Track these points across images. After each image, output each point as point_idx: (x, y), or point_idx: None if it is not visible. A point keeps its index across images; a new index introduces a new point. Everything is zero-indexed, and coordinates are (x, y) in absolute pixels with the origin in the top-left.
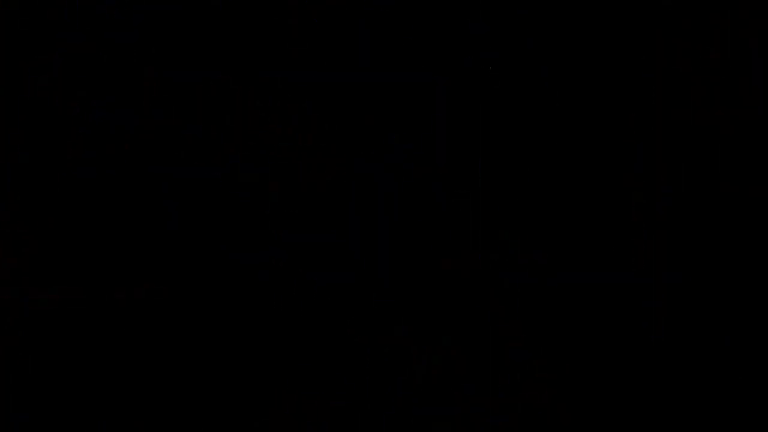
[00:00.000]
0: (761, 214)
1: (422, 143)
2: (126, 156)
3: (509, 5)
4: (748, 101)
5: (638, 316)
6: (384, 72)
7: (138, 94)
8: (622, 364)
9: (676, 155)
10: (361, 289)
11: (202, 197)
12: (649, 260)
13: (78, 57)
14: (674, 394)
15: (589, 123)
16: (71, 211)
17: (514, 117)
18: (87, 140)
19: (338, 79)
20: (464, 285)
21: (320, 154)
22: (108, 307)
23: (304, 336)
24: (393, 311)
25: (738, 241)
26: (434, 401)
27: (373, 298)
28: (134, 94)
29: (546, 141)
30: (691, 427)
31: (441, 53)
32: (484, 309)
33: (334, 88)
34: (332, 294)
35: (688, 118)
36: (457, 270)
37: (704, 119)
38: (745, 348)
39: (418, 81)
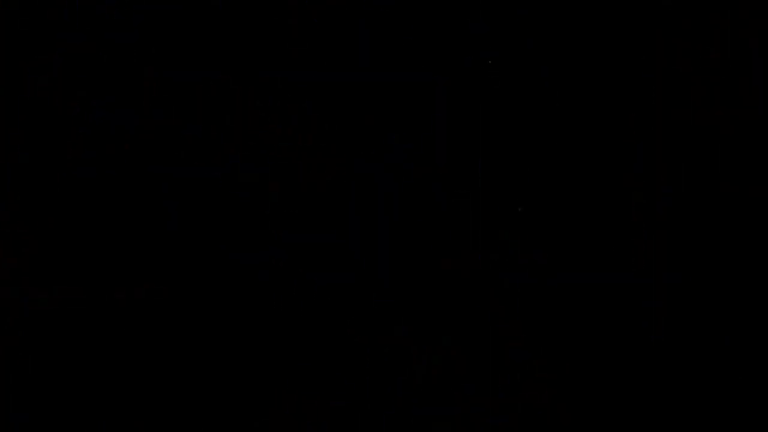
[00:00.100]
0: (761, 214)
1: (422, 143)
2: (126, 156)
3: (509, 5)
4: (748, 101)
5: (638, 316)
6: (384, 72)
7: (138, 94)
8: (622, 364)
9: (676, 155)
10: (361, 289)
11: (202, 197)
12: (649, 260)
13: (78, 57)
14: (674, 394)
15: (589, 123)
16: (71, 211)
17: (514, 117)
18: (87, 140)
19: (338, 79)
20: (464, 285)
21: (320, 154)
22: (108, 307)
23: (304, 336)
24: (393, 311)
25: (738, 241)
26: (434, 401)
27: (373, 298)
28: (134, 94)
29: (546, 141)
30: (691, 427)
31: (441, 53)
32: (484, 309)
33: (334, 88)
34: (332, 294)
35: (688, 118)
36: (457, 270)
37: (704, 119)
38: (745, 348)
39: (418, 81)
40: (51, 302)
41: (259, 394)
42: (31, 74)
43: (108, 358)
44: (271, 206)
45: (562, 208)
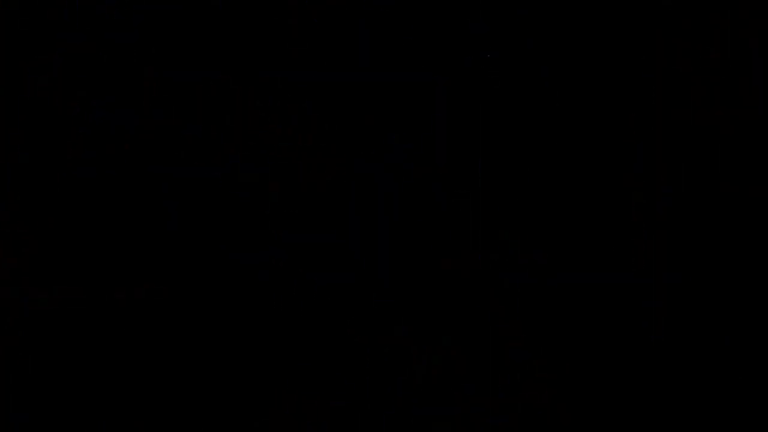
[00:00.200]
0: (761, 214)
1: (422, 143)
2: (126, 156)
3: (509, 5)
4: (748, 101)
5: (638, 316)
6: (384, 72)
7: (138, 94)
8: (622, 364)
9: (676, 155)
10: (361, 289)
11: (202, 197)
12: (649, 260)
13: (78, 57)
14: (674, 394)
15: (589, 123)
16: (71, 211)
17: (514, 117)
18: (87, 140)
19: (338, 79)
20: (464, 285)
21: (320, 154)
22: (108, 307)
23: (304, 336)
24: (393, 311)
25: (738, 241)
26: (434, 401)
27: (373, 298)
28: (134, 94)
29: (546, 141)
30: (691, 427)
31: (441, 53)
32: (484, 309)
33: (334, 88)
34: (332, 294)
35: (688, 118)
36: (457, 270)
37: (704, 119)
38: (745, 348)
39: (418, 81)
40: (51, 302)
41: (259, 394)
42: (31, 74)
43: (108, 358)
44: (271, 206)
45: (562, 208)
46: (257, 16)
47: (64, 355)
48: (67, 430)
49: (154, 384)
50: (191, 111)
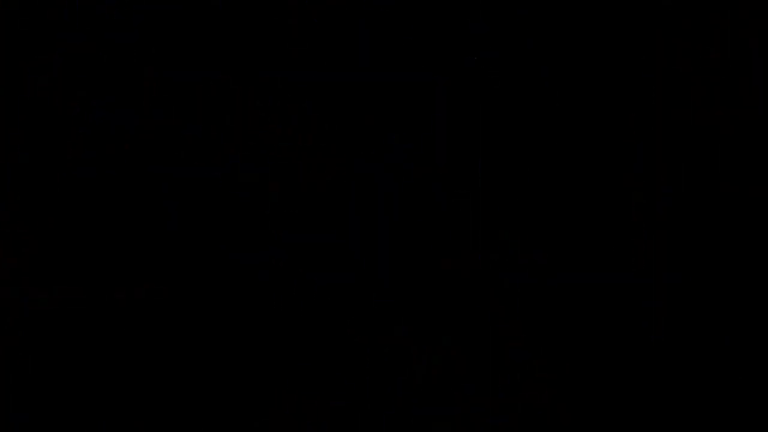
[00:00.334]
0: (761, 214)
1: (422, 143)
2: (126, 156)
3: (509, 5)
4: (748, 101)
5: (638, 316)
6: (384, 72)
7: (138, 94)
8: (622, 364)
9: (676, 155)
10: (361, 289)
11: (202, 197)
12: (649, 260)
13: (78, 57)
14: (674, 394)
15: (589, 123)
16: (71, 211)
17: (514, 117)
18: (87, 140)
19: (338, 79)
20: (464, 285)
21: (320, 154)
22: (108, 307)
23: (304, 336)
24: (393, 311)
25: (738, 241)
26: (434, 401)
27: (373, 298)
28: (134, 94)
29: (546, 141)
30: (691, 427)
31: (441, 53)
32: (484, 309)
33: (334, 88)
34: (332, 294)
35: (688, 118)
36: (457, 270)
37: (704, 119)
38: (745, 348)
39: (418, 81)
40: (51, 302)
41: (259, 394)
42: (31, 74)
43: (108, 358)
44: (271, 206)
45: (562, 208)
46: (257, 16)
47: (64, 355)
48: (67, 430)
49: (154, 384)
50: (191, 111)
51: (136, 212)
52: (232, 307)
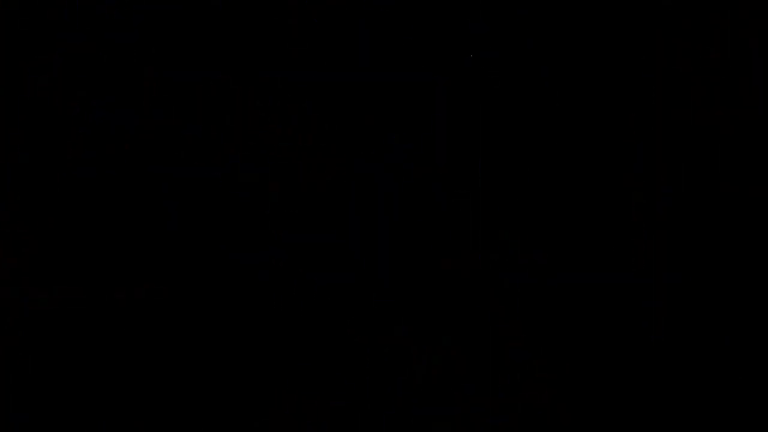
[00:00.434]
0: (761, 214)
1: (422, 143)
2: (126, 156)
3: (509, 5)
4: (748, 101)
5: (638, 316)
6: (384, 72)
7: (138, 94)
8: (622, 364)
9: (676, 155)
10: (361, 289)
11: (202, 197)
12: (649, 260)
13: (78, 57)
14: (674, 394)
15: (589, 123)
16: (71, 211)
17: (514, 117)
18: (87, 140)
19: (338, 79)
20: (464, 285)
21: (320, 154)
22: (108, 307)
23: (304, 336)
24: (393, 311)
25: (738, 241)
26: (434, 401)
27: (373, 298)
28: (134, 94)
29: (546, 141)
30: (691, 427)
31: (441, 53)
32: (484, 309)
33: (334, 88)
34: (332, 294)
35: (688, 118)
36: (457, 270)
37: (704, 119)
38: (745, 348)
39: (418, 81)
40: (51, 302)
41: (259, 394)
42: (31, 74)
43: (108, 358)
44: (271, 206)
45: (562, 208)
46: (257, 16)
47: (64, 355)
48: (67, 430)
49: (154, 384)
50: (191, 111)
51: (136, 212)
52: (232, 307)
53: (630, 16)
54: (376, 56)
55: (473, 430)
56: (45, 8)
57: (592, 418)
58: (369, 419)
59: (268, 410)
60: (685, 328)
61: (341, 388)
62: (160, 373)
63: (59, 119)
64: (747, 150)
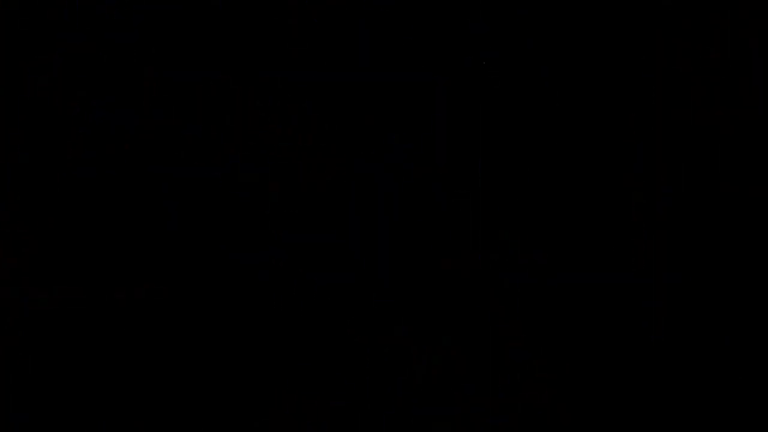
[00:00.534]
0: (761, 214)
1: (422, 143)
2: (126, 156)
3: (509, 5)
4: (748, 101)
5: (638, 316)
6: (384, 72)
7: (138, 94)
8: (622, 364)
9: (676, 155)
10: (361, 289)
11: (202, 197)
12: (649, 260)
13: (78, 57)
14: (674, 394)
15: (589, 123)
16: (71, 211)
17: (514, 117)
18: (87, 140)
19: (338, 79)
20: (464, 285)
21: (320, 154)
22: (108, 307)
23: (304, 336)
24: (393, 311)
25: (738, 241)
26: (434, 401)
27: (373, 298)
28: (134, 94)
29: (546, 141)
30: (691, 427)
31: (441, 53)
32: (484, 309)
33: (334, 88)
34: (332, 294)
35: (688, 118)
36: (457, 270)
37: (704, 119)
38: (745, 348)
39: (418, 81)
40: (51, 302)
41: (259, 394)
42: (31, 74)
43: (108, 358)
44: (271, 206)
45: (562, 208)
46: (257, 16)
47: (64, 355)
48: (67, 430)
49: (154, 384)
50: (191, 111)
51: (136, 212)
52: (232, 307)
53: (630, 16)
54: (376, 56)
55: (473, 430)
56: (45, 8)
57: (592, 418)
58: (369, 419)
59: (268, 410)
60: (685, 328)
61: (341, 388)
62: (160, 373)
63: (59, 119)
64: (747, 150)
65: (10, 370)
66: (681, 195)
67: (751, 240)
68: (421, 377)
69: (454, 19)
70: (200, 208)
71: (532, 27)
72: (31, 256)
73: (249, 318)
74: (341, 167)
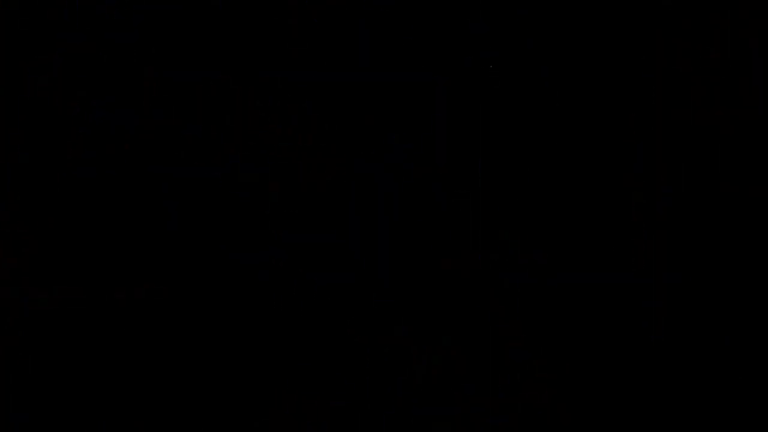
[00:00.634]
0: (761, 214)
1: (422, 143)
2: (126, 156)
3: (509, 5)
4: (748, 101)
5: (638, 316)
6: (384, 72)
7: (138, 94)
8: (622, 364)
9: (676, 155)
10: (361, 289)
11: (202, 197)
12: (649, 260)
13: (78, 57)
14: (674, 394)
15: (589, 123)
16: (71, 211)
17: (514, 117)
18: (87, 140)
19: (338, 79)
20: (464, 285)
21: (320, 154)
22: (108, 307)
23: (304, 336)
24: (393, 311)
25: (738, 241)
26: (434, 401)
27: (373, 298)
28: (134, 94)
29: (546, 141)
30: (691, 427)
31: (441, 53)
32: (484, 309)
33: (334, 88)
34: (332, 294)
35: (688, 118)
36: (457, 270)
37: (704, 119)
38: (745, 348)
39: (418, 81)
40: (51, 302)
41: (259, 394)
42: (31, 74)
43: (108, 358)
44: (271, 206)
45: (562, 208)
46: (257, 16)
47: (64, 355)
48: (67, 430)
49: (154, 384)
50: (191, 111)
51: (136, 212)
52: (232, 307)
53: (630, 16)
54: (376, 56)
55: (473, 430)
56: (45, 8)
57: (592, 418)
58: (369, 419)
59: (268, 410)
60: (685, 328)
61: (341, 388)
62: (160, 373)
63: (59, 119)
64: (747, 150)
65: (10, 370)
66: (681, 195)
67: (751, 240)
68: (421, 377)
69: (454, 19)
70: (200, 208)
71: (532, 27)
72: (31, 256)
73: (249, 318)
74: (341, 167)
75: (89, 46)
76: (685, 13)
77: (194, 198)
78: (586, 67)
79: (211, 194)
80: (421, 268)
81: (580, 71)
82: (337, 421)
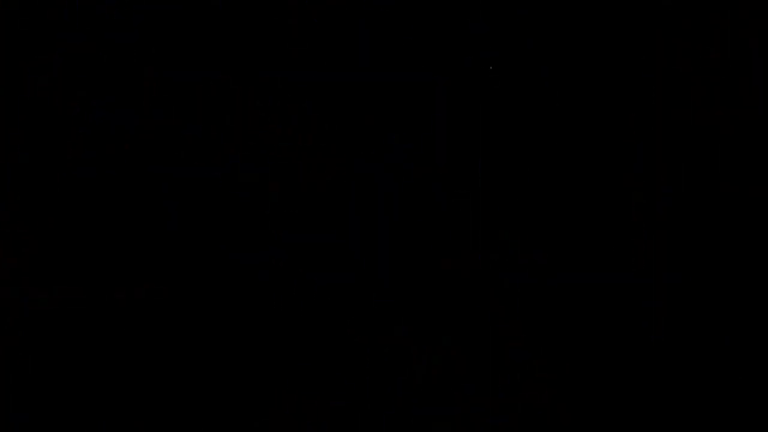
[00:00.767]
0: (761, 214)
1: (422, 143)
2: (126, 156)
3: (509, 5)
4: (748, 101)
5: (638, 316)
6: (384, 72)
7: (138, 94)
8: (622, 364)
9: (676, 155)
10: (361, 289)
11: (202, 197)
12: (649, 260)
13: (78, 57)
14: (674, 394)
15: (589, 123)
16: (71, 211)
17: (514, 117)
18: (87, 140)
19: (338, 79)
20: (464, 285)
21: (320, 154)
22: (108, 307)
23: (304, 336)
24: (393, 311)
25: (738, 241)
26: (434, 401)
27: (373, 298)
28: (134, 94)
29: (546, 141)
30: (691, 427)
31: (441, 53)
32: (484, 309)
33: (334, 88)
34: (332, 294)
35: (688, 118)
36: (457, 270)
37: (704, 119)
38: (745, 348)
39: (418, 81)
40: (51, 302)
41: (259, 394)
42: (31, 74)
43: (108, 358)
44: (271, 206)
45: (562, 208)
46: (257, 16)
47: (64, 355)
48: (67, 430)
49: (154, 384)
50: (191, 111)
51: (136, 212)
52: (232, 307)
53: (630, 16)
54: (376, 56)
55: (473, 430)
56: (45, 8)
57: (592, 418)
58: (369, 419)
59: (268, 410)
60: (685, 328)
61: (341, 388)
62: (160, 373)
63: (59, 119)
64: (747, 150)
65: (10, 370)
66: (681, 195)
67: (751, 240)
68: (421, 377)
69: (454, 19)
70: (200, 208)
71: (532, 27)
72: (31, 256)
73: (249, 318)
74: (341, 167)
75: (89, 46)
76: (685, 13)
77: (194, 198)
78: (586, 67)
79: (211, 194)
80: (421, 268)
81: (580, 71)
82: (337, 421)
